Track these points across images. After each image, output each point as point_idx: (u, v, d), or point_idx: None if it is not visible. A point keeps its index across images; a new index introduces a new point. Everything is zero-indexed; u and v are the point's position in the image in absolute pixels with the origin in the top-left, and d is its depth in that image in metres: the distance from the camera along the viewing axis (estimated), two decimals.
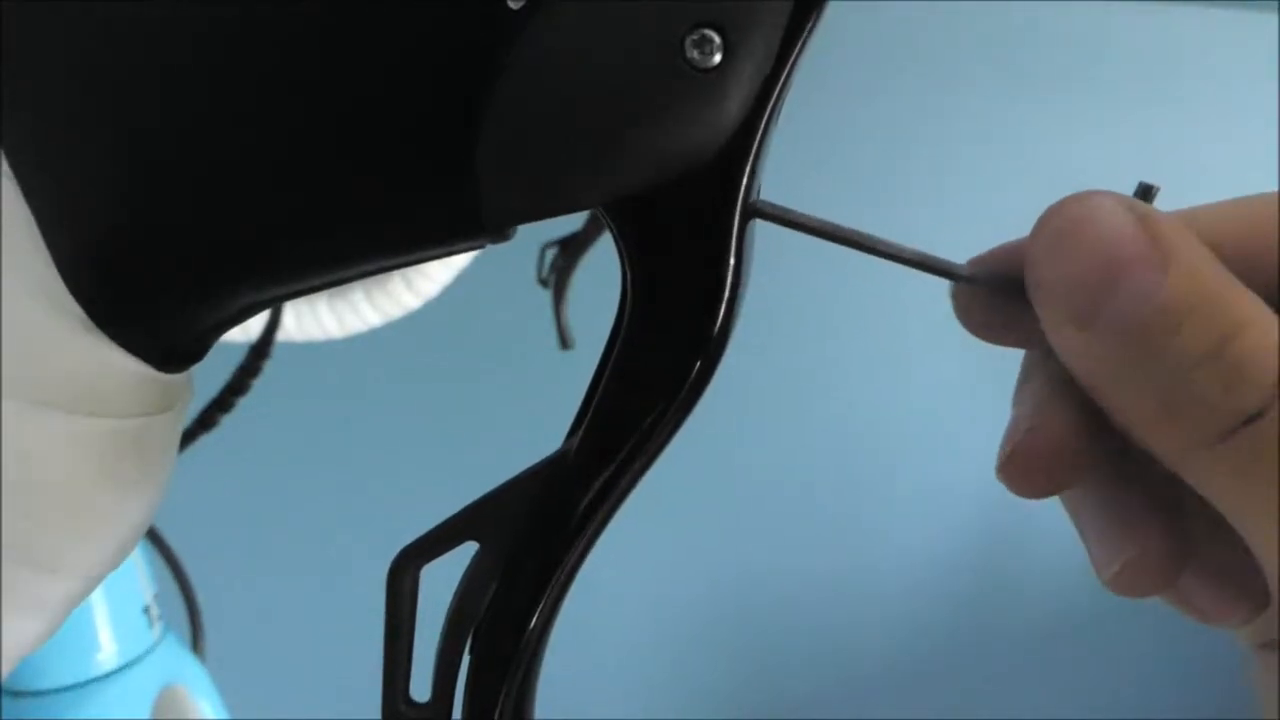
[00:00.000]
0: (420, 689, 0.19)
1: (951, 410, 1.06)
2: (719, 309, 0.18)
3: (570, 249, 0.51)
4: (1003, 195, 1.04)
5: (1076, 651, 1.24)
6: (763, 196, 0.19)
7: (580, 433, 0.19)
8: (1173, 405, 0.17)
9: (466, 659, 0.19)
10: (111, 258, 0.18)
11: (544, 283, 0.52)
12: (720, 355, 0.18)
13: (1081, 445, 0.19)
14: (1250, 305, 0.17)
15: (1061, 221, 0.18)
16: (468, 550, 0.19)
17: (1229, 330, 0.16)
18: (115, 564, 0.20)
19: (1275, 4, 0.96)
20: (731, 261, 0.18)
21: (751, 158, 0.18)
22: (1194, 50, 1.04)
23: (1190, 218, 0.19)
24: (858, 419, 1.07)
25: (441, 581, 0.20)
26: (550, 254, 0.51)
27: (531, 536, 0.19)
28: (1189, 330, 0.16)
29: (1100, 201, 0.17)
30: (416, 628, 0.19)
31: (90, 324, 0.18)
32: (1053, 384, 0.19)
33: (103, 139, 0.17)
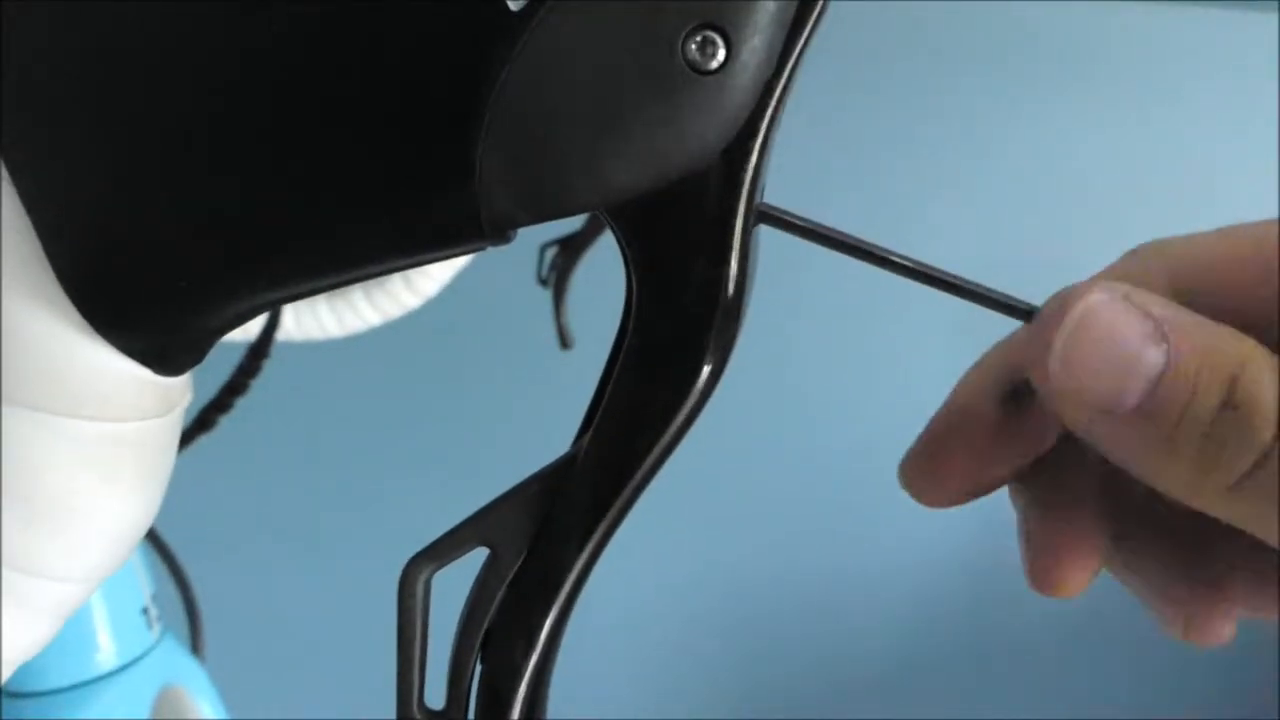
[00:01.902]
0: (435, 697, 0.19)
1: None
2: (725, 313, 0.18)
3: (570, 249, 0.51)
4: (1002, 195, 1.04)
5: (1076, 652, 1.24)
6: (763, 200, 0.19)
7: (588, 437, 0.19)
8: (1202, 461, 0.18)
9: (479, 667, 0.19)
10: (109, 263, 0.18)
11: (544, 282, 0.52)
12: (727, 359, 0.18)
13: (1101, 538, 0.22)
14: (1245, 345, 0.18)
15: (1067, 329, 0.19)
16: (479, 555, 0.19)
17: (1233, 373, 0.18)
18: (114, 567, 0.20)
19: (1275, 4, 0.96)
20: (737, 265, 0.18)
21: (754, 160, 0.18)
22: (1194, 50, 1.04)
23: (1163, 251, 0.21)
24: (858, 420, 1.07)
25: (456, 585, 0.20)
26: (550, 254, 0.51)
27: (540, 542, 0.19)
28: (1201, 390, 0.18)
29: (1092, 298, 0.19)
30: (430, 631, 0.19)
31: (88, 329, 0.18)
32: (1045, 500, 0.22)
33: (99, 146, 0.17)
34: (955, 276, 0.19)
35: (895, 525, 1.11)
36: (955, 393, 0.22)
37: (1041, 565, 0.22)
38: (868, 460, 1.10)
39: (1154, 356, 0.18)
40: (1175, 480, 0.18)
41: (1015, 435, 0.22)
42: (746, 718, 1.16)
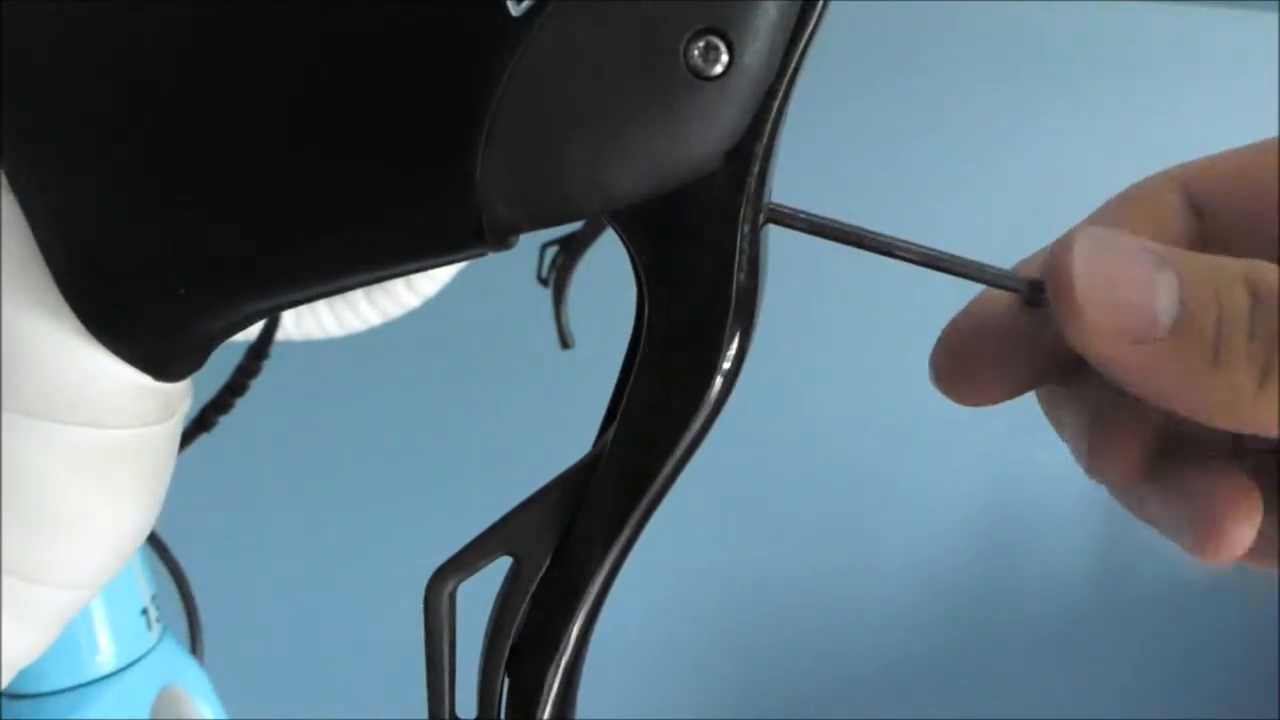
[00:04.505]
0: (466, 706, 0.19)
1: (951, 410, 1.06)
2: (737, 317, 0.18)
3: (570, 248, 0.51)
4: (1003, 195, 1.04)
5: (1076, 651, 1.24)
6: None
7: (608, 442, 0.19)
8: (1252, 364, 0.18)
9: (507, 680, 0.19)
10: (108, 268, 0.18)
11: (544, 282, 0.52)
12: (742, 363, 0.18)
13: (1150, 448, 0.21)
14: (1239, 260, 0.18)
15: (1085, 267, 0.18)
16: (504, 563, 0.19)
17: (1245, 274, 0.18)
18: (113, 574, 0.20)
19: (1275, 4, 0.96)
20: (747, 268, 0.18)
21: (760, 162, 0.17)
22: (1194, 50, 1.04)
23: (1173, 175, 0.21)
24: (858, 418, 1.07)
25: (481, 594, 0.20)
26: (550, 253, 0.51)
27: (564, 552, 0.19)
28: (1224, 295, 0.18)
29: (1085, 242, 0.18)
30: (458, 639, 0.19)
31: (87, 335, 0.18)
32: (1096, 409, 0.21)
33: (98, 149, 0.17)
34: (971, 262, 0.19)
35: (896, 524, 1.11)
36: (973, 302, 0.22)
37: (1097, 461, 0.21)
38: (868, 460, 1.10)
39: (1168, 279, 0.18)
40: (1217, 399, 0.18)
41: (1041, 333, 0.21)
42: (746, 718, 1.16)
